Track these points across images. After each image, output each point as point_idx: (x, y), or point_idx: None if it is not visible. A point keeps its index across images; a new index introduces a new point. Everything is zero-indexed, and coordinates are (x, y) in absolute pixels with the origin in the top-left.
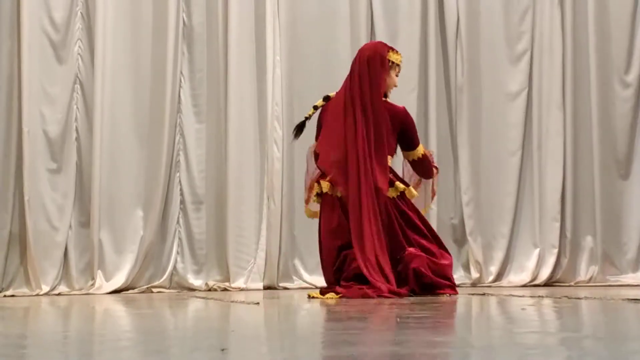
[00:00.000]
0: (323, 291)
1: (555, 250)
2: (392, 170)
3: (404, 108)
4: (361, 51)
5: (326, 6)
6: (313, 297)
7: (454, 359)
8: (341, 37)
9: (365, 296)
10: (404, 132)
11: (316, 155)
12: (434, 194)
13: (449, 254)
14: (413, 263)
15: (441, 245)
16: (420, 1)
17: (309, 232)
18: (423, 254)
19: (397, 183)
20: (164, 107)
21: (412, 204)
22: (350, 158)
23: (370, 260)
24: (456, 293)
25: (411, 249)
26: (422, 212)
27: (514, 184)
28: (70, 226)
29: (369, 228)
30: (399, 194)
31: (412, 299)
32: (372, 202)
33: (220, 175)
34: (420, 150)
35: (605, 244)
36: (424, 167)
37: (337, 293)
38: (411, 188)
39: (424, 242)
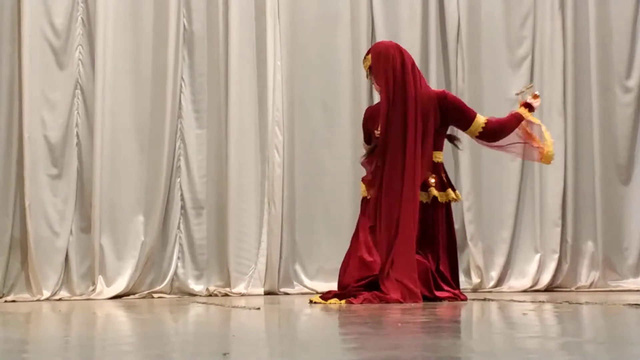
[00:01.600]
0: (324, 296)
1: (556, 256)
2: (437, 170)
3: (441, 91)
4: (401, 49)
5: (327, 11)
6: (315, 303)
7: None
8: (342, 42)
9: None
10: (448, 116)
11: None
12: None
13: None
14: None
15: (454, 275)
16: (420, 6)
17: (309, 237)
18: (427, 262)
19: (431, 188)
20: (165, 113)
21: (443, 212)
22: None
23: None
24: (465, 299)
25: (417, 257)
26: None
27: (514, 189)
28: (71, 231)
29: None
30: (430, 200)
31: (414, 304)
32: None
33: (221, 181)
34: (479, 124)
35: (606, 249)
36: (496, 134)
37: (339, 298)
38: (450, 192)
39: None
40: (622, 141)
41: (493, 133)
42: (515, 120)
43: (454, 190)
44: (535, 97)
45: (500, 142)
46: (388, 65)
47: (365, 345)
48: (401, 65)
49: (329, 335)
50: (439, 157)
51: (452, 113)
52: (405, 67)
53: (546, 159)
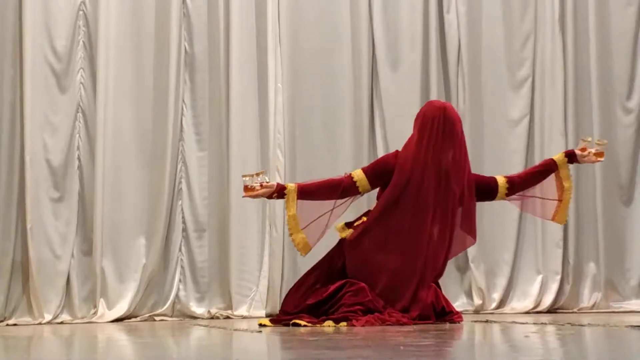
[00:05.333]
0: (275, 319)
1: (558, 277)
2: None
3: None
4: (452, 110)
5: (328, 34)
6: (263, 325)
7: None
8: (343, 64)
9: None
10: None
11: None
12: None
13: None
14: (429, 295)
15: None
16: (421, 28)
17: (311, 259)
18: (432, 284)
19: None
20: (166, 135)
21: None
22: None
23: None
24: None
25: None
26: None
27: (516, 210)
28: (72, 254)
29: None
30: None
31: (416, 326)
32: None
33: (222, 203)
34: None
35: (608, 270)
36: None
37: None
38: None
39: None
40: (623, 162)
41: None
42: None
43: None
44: None
45: None
46: None
47: None
48: None
49: (331, 359)
50: None
51: None
52: None
53: None
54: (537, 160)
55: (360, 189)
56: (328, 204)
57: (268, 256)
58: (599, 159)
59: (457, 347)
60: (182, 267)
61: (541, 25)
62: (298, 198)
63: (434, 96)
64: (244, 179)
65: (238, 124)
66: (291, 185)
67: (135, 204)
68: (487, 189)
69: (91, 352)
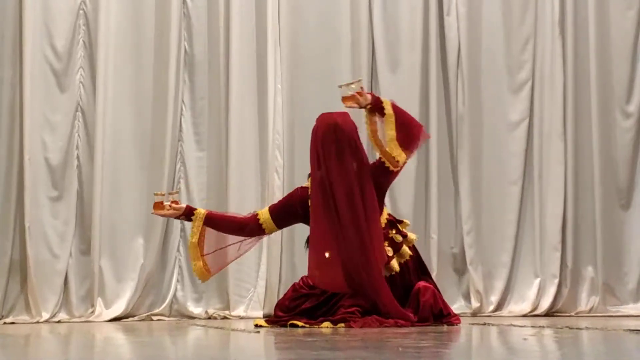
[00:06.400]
0: (271, 320)
1: (556, 280)
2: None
3: None
4: (345, 125)
5: (328, 35)
6: (259, 326)
7: None
8: (342, 66)
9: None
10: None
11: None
12: None
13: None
14: (424, 296)
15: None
16: (421, 30)
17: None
18: (430, 286)
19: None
20: (165, 135)
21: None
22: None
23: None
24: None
25: (420, 283)
26: None
27: (514, 213)
28: (70, 254)
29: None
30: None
31: (414, 328)
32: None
33: (221, 204)
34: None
35: (606, 274)
36: None
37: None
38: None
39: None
40: (622, 166)
41: None
42: None
43: (401, 232)
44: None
45: None
46: None
47: None
48: None
49: None
50: None
51: None
52: None
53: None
54: (536, 164)
55: (266, 231)
56: (235, 237)
57: (266, 257)
58: (349, 103)
59: (455, 350)
60: (179, 267)
61: (541, 28)
62: (204, 224)
63: (433, 98)
64: (155, 196)
65: (237, 124)
66: (200, 212)
67: (134, 203)
68: (382, 168)
69: (88, 351)
